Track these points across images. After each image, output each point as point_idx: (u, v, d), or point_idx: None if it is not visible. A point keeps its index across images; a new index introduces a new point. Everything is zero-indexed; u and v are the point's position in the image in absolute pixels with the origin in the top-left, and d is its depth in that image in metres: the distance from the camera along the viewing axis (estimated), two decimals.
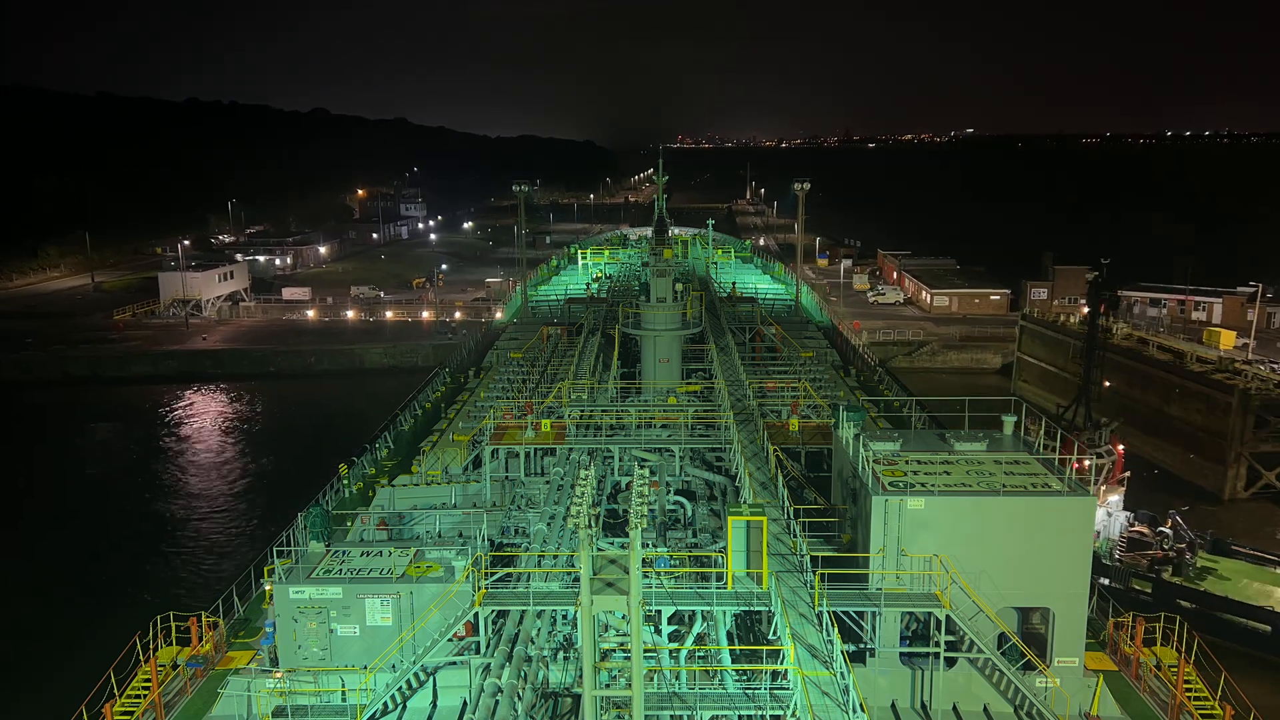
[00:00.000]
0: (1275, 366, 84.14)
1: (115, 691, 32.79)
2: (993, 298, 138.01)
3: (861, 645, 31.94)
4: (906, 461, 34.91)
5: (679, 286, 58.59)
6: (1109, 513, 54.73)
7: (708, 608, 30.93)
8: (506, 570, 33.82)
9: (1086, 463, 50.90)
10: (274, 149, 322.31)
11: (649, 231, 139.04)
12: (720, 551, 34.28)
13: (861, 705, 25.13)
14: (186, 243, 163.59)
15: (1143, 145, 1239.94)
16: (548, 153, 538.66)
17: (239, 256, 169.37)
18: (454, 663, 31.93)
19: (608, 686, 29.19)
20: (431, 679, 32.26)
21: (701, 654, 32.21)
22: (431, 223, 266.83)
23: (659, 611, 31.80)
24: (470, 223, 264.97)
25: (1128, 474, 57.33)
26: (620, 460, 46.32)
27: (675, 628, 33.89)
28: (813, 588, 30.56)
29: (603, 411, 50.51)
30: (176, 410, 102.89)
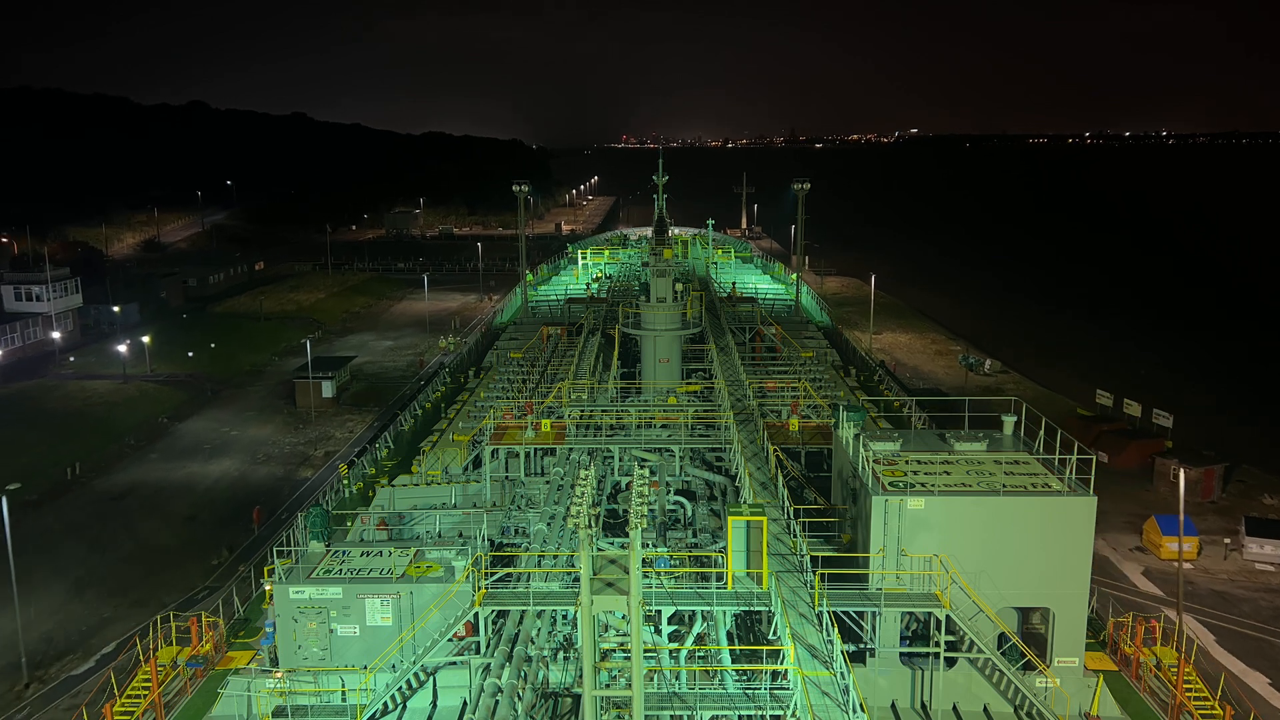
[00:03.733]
0: None
1: (115, 691, 32.82)
2: None
3: (861, 645, 31.94)
4: (906, 461, 34.91)
5: (679, 286, 58.59)
6: None
7: (708, 608, 30.94)
8: (506, 570, 33.83)
9: None
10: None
11: (649, 232, 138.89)
12: (720, 551, 34.29)
13: (861, 705, 25.12)
14: None
15: (1090, 145, 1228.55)
16: (459, 154, 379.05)
17: None
18: (454, 663, 31.95)
19: (608, 686, 29.19)
20: (431, 679, 32.28)
21: (701, 654, 32.22)
22: (66, 327, 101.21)
23: (659, 611, 31.80)
24: (127, 345, 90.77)
25: None
26: (620, 460, 46.32)
27: (675, 628, 33.90)
28: (813, 588, 30.56)
29: (603, 411, 50.51)
30: None
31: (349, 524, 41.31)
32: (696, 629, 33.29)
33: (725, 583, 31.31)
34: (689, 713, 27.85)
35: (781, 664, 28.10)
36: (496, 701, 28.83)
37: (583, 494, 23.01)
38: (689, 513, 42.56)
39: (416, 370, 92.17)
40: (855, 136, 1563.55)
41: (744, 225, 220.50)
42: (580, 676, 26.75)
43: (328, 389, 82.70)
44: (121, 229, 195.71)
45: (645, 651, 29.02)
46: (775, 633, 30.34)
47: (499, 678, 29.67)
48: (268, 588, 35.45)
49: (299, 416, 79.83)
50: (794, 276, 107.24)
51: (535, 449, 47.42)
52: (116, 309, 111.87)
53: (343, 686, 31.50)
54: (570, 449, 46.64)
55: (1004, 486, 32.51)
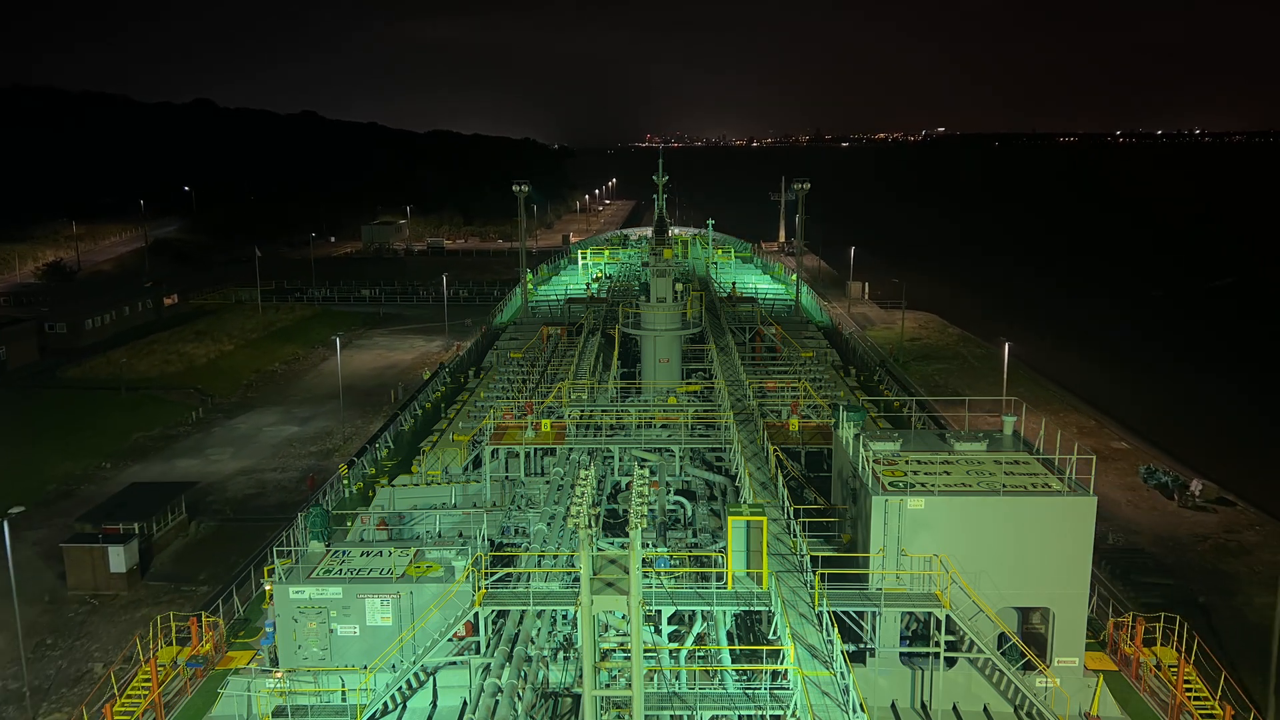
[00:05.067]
0: None
1: (115, 691, 32.83)
2: None
3: (861, 645, 31.94)
4: (906, 461, 34.91)
5: (679, 286, 58.58)
6: None
7: (708, 608, 30.95)
8: (506, 570, 33.83)
9: None
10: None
11: (649, 232, 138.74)
12: (720, 551, 34.28)
13: (861, 705, 25.12)
14: None
15: (1122, 143, 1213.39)
16: (466, 154, 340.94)
17: None
18: (454, 663, 31.94)
19: (608, 686, 29.18)
20: (431, 679, 32.28)
21: (701, 654, 32.22)
22: None
23: (659, 611, 31.80)
24: None
25: None
26: (620, 460, 46.32)
27: (675, 628, 33.89)
28: (813, 588, 30.56)
29: (603, 411, 50.50)
30: None
31: (349, 524, 41.31)
32: (696, 629, 33.28)
33: (725, 583, 31.31)
34: (689, 713, 27.86)
35: (781, 664, 28.10)
36: (496, 701, 28.83)
37: (583, 494, 23.01)
38: (689, 513, 42.55)
39: (306, 491, 59.37)
40: (882, 135, 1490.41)
41: (782, 238, 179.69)
42: (580, 676, 26.74)
43: (117, 560, 49.37)
44: (43, 245, 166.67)
45: (645, 651, 29.00)
46: (775, 633, 30.34)
47: (499, 678, 29.67)
48: (268, 588, 35.45)
49: (63, 610, 46.81)
50: (794, 277, 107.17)
51: (535, 449, 47.41)
52: None
53: (343, 686, 31.50)
54: (570, 449, 46.63)
55: (1004, 486, 32.50)
